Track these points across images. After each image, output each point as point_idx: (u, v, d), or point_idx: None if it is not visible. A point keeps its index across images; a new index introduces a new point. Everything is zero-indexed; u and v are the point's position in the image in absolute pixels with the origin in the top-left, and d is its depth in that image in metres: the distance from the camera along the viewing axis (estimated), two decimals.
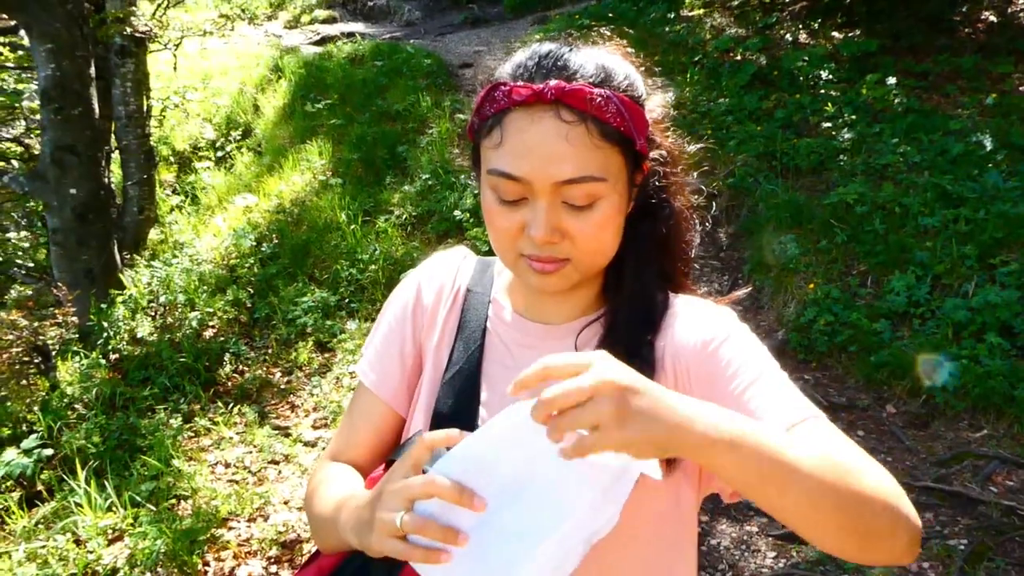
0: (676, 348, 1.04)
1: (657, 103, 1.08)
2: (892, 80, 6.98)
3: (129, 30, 6.04)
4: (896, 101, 6.70)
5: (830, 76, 7.26)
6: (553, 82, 0.94)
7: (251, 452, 3.92)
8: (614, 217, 1.00)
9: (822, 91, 7.07)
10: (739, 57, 7.91)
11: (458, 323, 1.16)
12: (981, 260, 4.64)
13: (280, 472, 3.77)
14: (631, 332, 1.06)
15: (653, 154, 1.07)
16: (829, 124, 6.51)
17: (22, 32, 6.06)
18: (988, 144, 5.84)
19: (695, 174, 1.17)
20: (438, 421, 1.09)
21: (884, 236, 5.03)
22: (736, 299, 1.17)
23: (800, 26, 8.41)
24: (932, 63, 7.25)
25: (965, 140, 5.89)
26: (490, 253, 1.16)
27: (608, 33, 1.10)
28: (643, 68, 1.08)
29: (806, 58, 7.51)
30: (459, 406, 1.09)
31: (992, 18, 8.09)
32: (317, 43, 11.56)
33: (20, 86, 6.93)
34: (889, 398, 4.19)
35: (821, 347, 4.50)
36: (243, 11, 12.36)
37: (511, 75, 1.00)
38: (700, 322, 1.06)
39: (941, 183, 5.32)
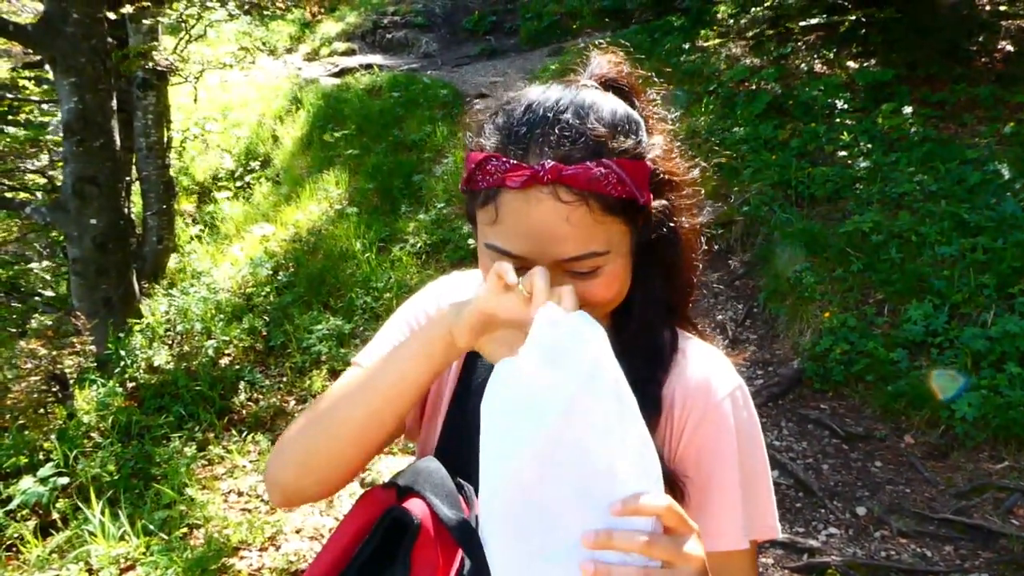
0: (685, 397, 1.03)
1: (659, 142, 1.02)
2: (908, 109, 6.97)
3: (151, 64, 6.15)
4: (912, 130, 6.68)
5: (845, 105, 7.26)
6: (549, 163, 0.89)
7: (264, 481, 3.91)
8: (620, 274, 0.98)
9: (837, 120, 7.07)
10: (754, 86, 7.94)
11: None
12: (999, 289, 4.59)
13: None
14: (638, 370, 1.02)
15: (657, 180, 1.02)
16: (845, 153, 6.50)
17: (47, 66, 6.19)
18: (1006, 173, 5.80)
19: (701, 193, 1.12)
20: (446, 446, 1.10)
21: (901, 265, 4.99)
22: (740, 361, 1.16)
23: (815, 56, 8.44)
24: (949, 92, 7.23)
25: (982, 169, 5.86)
26: None
27: (604, 44, 1.07)
28: (641, 80, 1.05)
29: (821, 87, 7.53)
30: (465, 434, 1.06)
31: (1009, 47, 8.08)
32: (336, 75, 11.72)
33: (44, 118, 7.06)
34: (907, 428, 4.14)
35: (837, 376, 4.45)
36: (263, 44, 12.58)
37: (501, 145, 0.94)
38: (710, 380, 1.05)
39: (958, 212, 5.28)
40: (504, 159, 0.92)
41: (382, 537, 0.96)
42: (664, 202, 1.03)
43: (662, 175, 1.01)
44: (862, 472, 3.91)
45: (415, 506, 0.95)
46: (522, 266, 0.94)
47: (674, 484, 0.99)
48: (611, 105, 0.97)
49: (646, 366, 1.04)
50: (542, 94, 0.98)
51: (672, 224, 1.05)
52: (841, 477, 3.88)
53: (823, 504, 3.69)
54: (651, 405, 1.00)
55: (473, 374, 1.15)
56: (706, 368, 1.06)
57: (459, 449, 1.06)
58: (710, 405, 1.03)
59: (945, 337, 4.45)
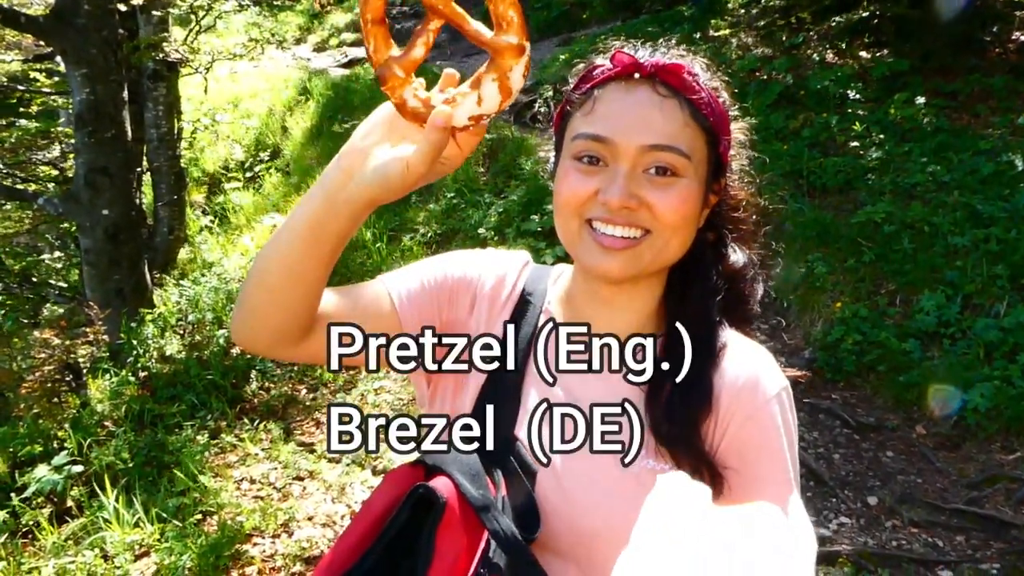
0: (733, 393, 1.03)
1: (740, 126, 1.10)
2: (921, 100, 6.92)
3: (161, 55, 6.17)
4: (925, 120, 6.64)
5: (857, 96, 7.22)
6: (653, 58, 0.99)
7: (276, 468, 3.94)
8: (693, 199, 1.00)
9: (849, 110, 7.03)
10: (766, 77, 7.89)
11: (505, 326, 1.14)
12: (1013, 280, 4.57)
13: (304, 488, 3.79)
14: (691, 359, 1.04)
15: (731, 177, 1.10)
16: (856, 143, 6.46)
17: (58, 58, 6.21)
18: (1019, 164, 5.76)
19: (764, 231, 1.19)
20: (477, 422, 1.08)
21: (913, 255, 4.97)
22: (791, 376, 1.15)
23: (827, 46, 8.38)
24: (962, 83, 7.18)
25: (995, 160, 5.82)
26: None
27: (704, 55, 1.11)
28: (728, 91, 1.10)
29: (833, 77, 7.48)
30: (499, 413, 1.07)
31: (1023, 38, 8.01)
32: (345, 65, 11.72)
33: (59, 105, 7.09)
34: (919, 419, 4.13)
35: (849, 367, 4.44)
36: (272, 35, 12.56)
37: (609, 58, 1.02)
38: (759, 378, 1.04)
39: (971, 203, 5.25)
40: (612, 52, 1.02)
41: (408, 514, 0.95)
42: (741, 165, 1.11)
43: (735, 171, 1.11)
44: (873, 462, 3.90)
45: (441, 484, 0.95)
46: (603, 159, 0.99)
47: (715, 473, 1.00)
48: (712, 72, 1.06)
49: (698, 358, 1.04)
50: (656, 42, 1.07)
51: (737, 236, 1.13)
52: (852, 467, 3.88)
53: (834, 493, 3.69)
54: (702, 396, 1.01)
55: (519, 332, 1.13)
56: (754, 366, 1.06)
57: (501, 410, 1.06)
58: (757, 404, 1.03)
59: (958, 328, 4.43)
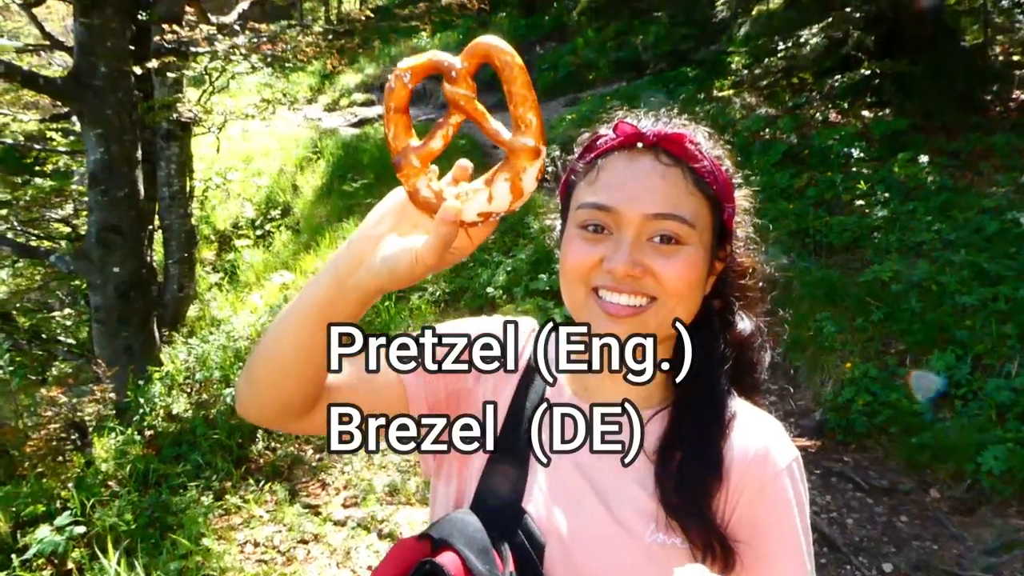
0: (743, 465, 1.02)
1: (744, 193, 1.12)
2: (924, 158, 6.98)
3: (175, 115, 6.28)
4: (929, 179, 6.69)
5: (861, 154, 7.29)
6: (656, 128, 1.01)
7: (281, 531, 3.89)
8: (698, 266, 1.00)
9: (854, 169, 7.10)
10: (770, 136, 7.99)
11: (513, 397, 1.13)
12: (1022, 340, 4.54)
13: (309, 552, 3.74)
14: (701, 430, 1.03)
15: (736, 244, 1.10)
16: (862, 202, 6.51)
17: (73, 118, 6.34)
18: None
19: (769, 299, 1.19)
20: (483, 499, 1.07)
21: (921, 315, 4.96)
22: (801, 446, 1.14)
23: (830, 105, 8.50)
24: (964, 141, 7.26)
25: (1000, 218, 5.85)
26: None
27: (705, 122, 1.14)
28: (734, 160, 1.12)
29: (837, 136, 7.57)
30: (505, 487, 1.06)
31: (1023, 96, 8.12)
32: (355, 125, 11.92)
33: (72, 167, 7.20)
34: (932, 482, 4.07)
35: (860, 428, 4.39)
36: (284, 95, 12.79)
37: (613, 128, 1.04)
38: (769, 449, 1.04)
39: (978, 261, 5.26)
40: (615, 123, 1.04)
41: None
42: (745, 232, 1.11)
43: (741, 238, 1.11)
44: (887, 527, 3.83)
45: (448, 560, 0.94)
46: (607, 228, 0.99)
47: (726, 547, 0.99)
48: (714, 140, 1.08)
49: (707, 429, 1.03)
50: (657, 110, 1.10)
51: (744, 304, 1.13)
52: (866, 532, 3.81)
53: (848, 560, 3.61)
54: (712, 468, 1.01)
55: (524, 402, 1.12)
56: (764, 437, 1.05)
57: (508, 484, 1.05)
58: (768, 477, 1.02)
59: (969, 388, 4.39)
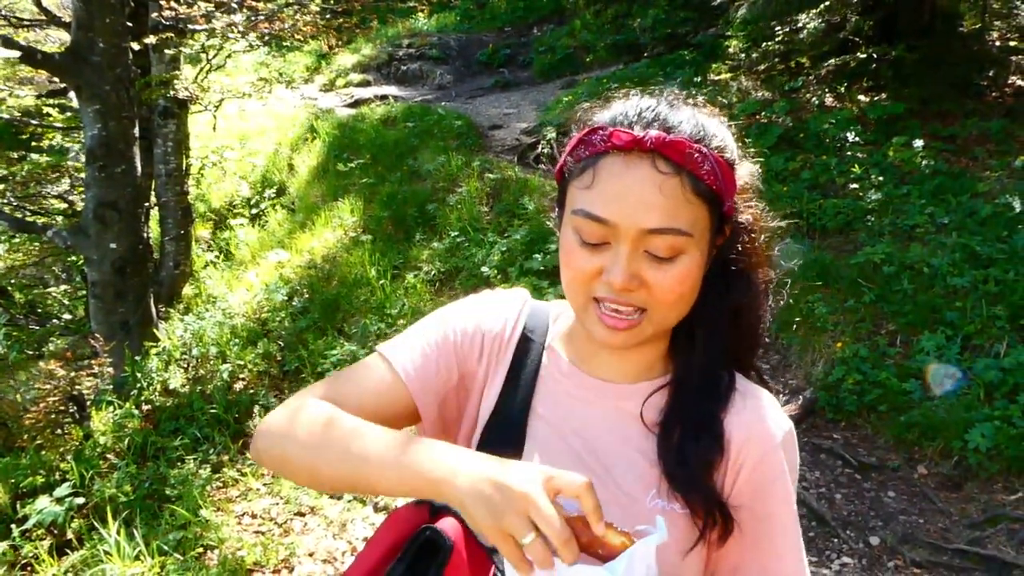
0: (744, 438, 1.05)
1: (747, 170, 1.09)
2: (919, 143, 7.01)
3: (172, 93, 6.28)
4: (923, 163, 6.72)
5: (856, 138, 7.31)
6: (653, 132, 0.95)
7: (278, 503, 3.94)
8: (694, 273, 0.99)
9: (849, 153, 7.12)
10: (766, 120, 8.01)
11: (509, 367, 1.14)
12: (1012, 320, 4.60)
13: (306, 524, 3.79)
14: (701, 405, 1.06)
15: (736, 219, 1.08)
16: (856, 185, 6.54)
17: (70, 94, 6.33)
18: (1017, 206, 5.82)
19: (776, 249, 1.17)
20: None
21: (912, 296, 5.01)
22: (792, 413, 1.18)
23: (826, 89, 8.51)
24: (959, 127, 7.28)
25: (993, 202, 5.89)
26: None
27: (703, 100, 1.09)
28: (735, 134, 1.09)
29: (832, 120, 7.59)
30: (505, 453, 1.04)
31: (1019, 82, 8.14)
32: (351, 105, 11.88)
33: (68, 143, 7.20)
34: (920, 459, 4.13)
35: (850, 406, 4.45)
36: (281, 75, 12.77)
37: (610, 121, 1.00)
38: (767, 422, 1.07)
39: (970, 244, 5.30)
40: (610, 129, 0.98)
41: (413, 557, 0.95)
42: (745, 218, 1.08)
43: (741, 209, 1.07)
44: (875, 502, 3.90)
45: (448, 525, 0.95)
46: (605, 240, 0.98)
47: (726, 515, 1.02)
48: (715, 122, 1.04)
49: (707, 403, 1.06)
50: (653, 92, 1.05)
51: (744, 267, 1.10)
52: (854, 507, 3.88)
53: (836, 534, 3.68)
54: (714, 443, 1.04)
55: (521, 371, 1.15)
56: (763, 411, 1.08)
57: (508, 449, 1.06)
58: (768, 449, 1.05)
59: (958, 368, 4.45)
